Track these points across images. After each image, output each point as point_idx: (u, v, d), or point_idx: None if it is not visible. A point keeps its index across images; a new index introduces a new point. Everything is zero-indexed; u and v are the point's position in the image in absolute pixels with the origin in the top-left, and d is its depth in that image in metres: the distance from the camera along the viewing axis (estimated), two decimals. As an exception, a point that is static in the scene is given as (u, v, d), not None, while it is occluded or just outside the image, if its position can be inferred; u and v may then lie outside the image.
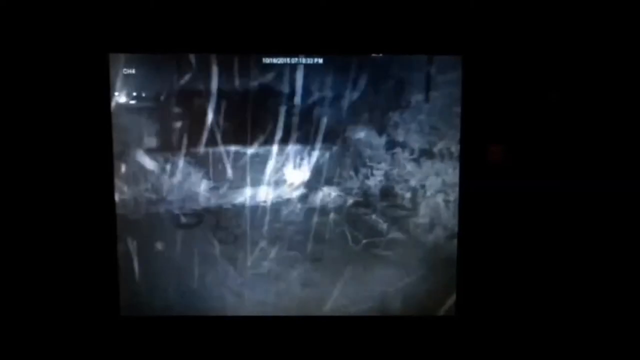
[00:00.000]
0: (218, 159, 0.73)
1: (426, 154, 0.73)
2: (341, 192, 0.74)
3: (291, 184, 0.74)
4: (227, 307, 0.75)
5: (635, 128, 0.74)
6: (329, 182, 0.73)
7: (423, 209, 0.74)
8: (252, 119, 0.72)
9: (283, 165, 0.73)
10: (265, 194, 0.74)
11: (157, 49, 0.71)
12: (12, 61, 0.71)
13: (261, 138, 0.72)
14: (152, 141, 0.72)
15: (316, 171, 0.73)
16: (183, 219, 0.74)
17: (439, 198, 0.74)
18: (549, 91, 0.74)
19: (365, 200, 0.74)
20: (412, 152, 0.73)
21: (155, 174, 0.73)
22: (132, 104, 0.71)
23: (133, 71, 0.71)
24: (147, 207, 0.73)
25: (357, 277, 0.75)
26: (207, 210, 0.73)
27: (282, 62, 0.71)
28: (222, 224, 0.74)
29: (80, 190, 0.73)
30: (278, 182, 0.73)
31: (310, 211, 0.74)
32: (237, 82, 0.71)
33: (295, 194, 0.74)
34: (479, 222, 0.74)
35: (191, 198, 0.73)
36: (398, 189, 0.74)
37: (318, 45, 0.72)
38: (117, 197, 0.73)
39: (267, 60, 0.71)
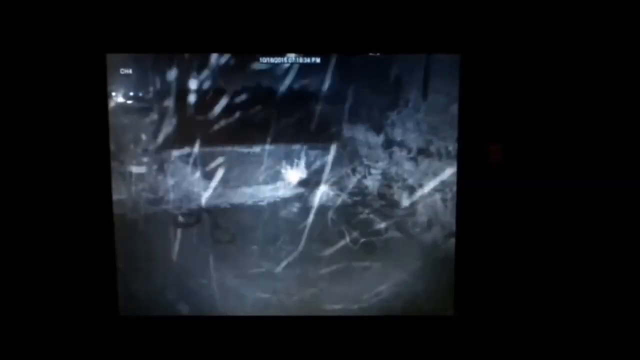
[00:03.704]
0: (215, 159, 0.73)
1: (424, 152, 0.73)
2: (339, 191, 0.74)
3: (288, 183, 0.74)
4: (225, 307, 0.75)
5: (635, 127, 0.74)
6: (326, 181, 0.73)
7: (421, 208, 0.74)
8: (250, 118, 0.72)
9: (280, 164, 0.73)
10: (262, 193, 0.73)
11: (154, 49, 0.71)
12: (10, 61, 0.72)
13: (258, 137, 0.72)
14: (149, 141, 0.72)
15: (313, 170, 0.73)
16: (181, 219, 0.74)
17: (437, 197, 0.74)
18: (547, 90, 0.74)
19: (363, 199, 0.74)
20: (409, 151, 0.73)
21: (152, 173, 0.73)
22: (129, 104, 0.71)
23: (130, 71, 0.71)
24: (144, 207, 0.73)
25: (355, 277, 0.75)
26: (205, 210, 0.74)
27: (279, 61, 0.71)
28: (219, 223, 0.74)
29: (78, 190, 0.73)
30: (275, 181, 0.73)
31: (307, 210, 0.74)
32: (234, 82, 0.71)
33: (293, 193, 0.74)
34: (477, 221, 0.74)
35: (189, 198, 0.73)
36: (396, 188, 0.74)
37: (316, 44, 0.72)
38: (114, 197, 0.73)
39: (264, 60, 0.71)
